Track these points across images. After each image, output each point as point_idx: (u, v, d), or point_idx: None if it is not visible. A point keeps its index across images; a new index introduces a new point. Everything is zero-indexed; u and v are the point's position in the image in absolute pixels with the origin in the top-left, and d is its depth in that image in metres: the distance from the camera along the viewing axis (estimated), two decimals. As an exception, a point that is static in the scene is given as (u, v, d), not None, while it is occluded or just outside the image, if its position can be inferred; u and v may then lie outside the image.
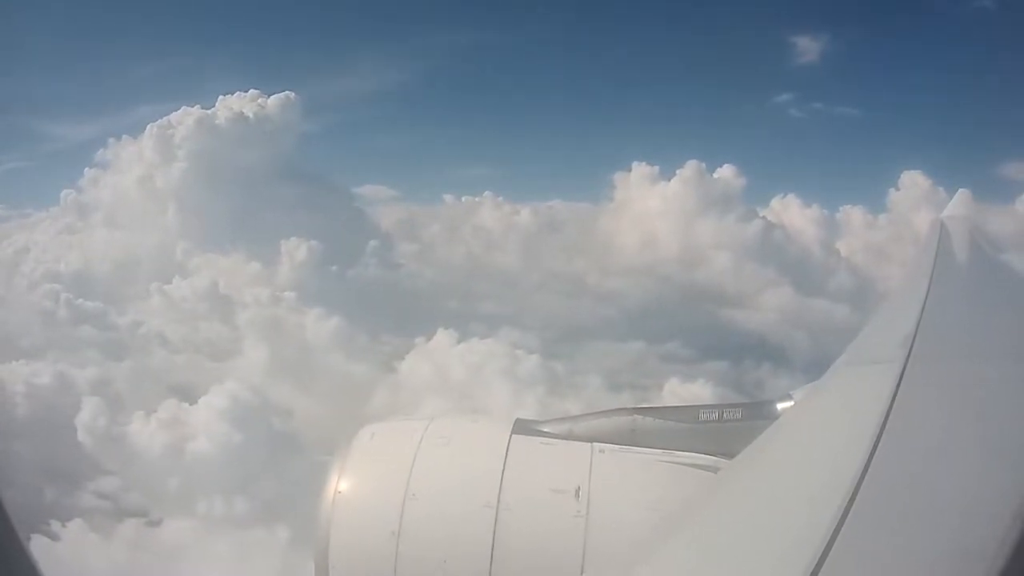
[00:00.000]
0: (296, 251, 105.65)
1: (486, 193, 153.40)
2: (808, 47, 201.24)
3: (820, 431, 3.60)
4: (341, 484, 4.10)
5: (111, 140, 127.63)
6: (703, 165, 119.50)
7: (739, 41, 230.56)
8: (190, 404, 59.96)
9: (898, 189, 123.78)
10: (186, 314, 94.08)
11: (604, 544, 3.74)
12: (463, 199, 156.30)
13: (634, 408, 4.49)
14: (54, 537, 49.22)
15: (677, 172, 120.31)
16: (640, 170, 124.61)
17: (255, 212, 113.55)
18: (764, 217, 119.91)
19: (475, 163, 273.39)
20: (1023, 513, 2.10)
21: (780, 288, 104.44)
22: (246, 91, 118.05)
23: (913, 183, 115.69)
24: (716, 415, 4.39)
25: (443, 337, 74.89)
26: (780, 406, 4.37)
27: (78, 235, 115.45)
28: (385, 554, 3.85)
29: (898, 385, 3.41)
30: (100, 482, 56.43)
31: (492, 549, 3.79)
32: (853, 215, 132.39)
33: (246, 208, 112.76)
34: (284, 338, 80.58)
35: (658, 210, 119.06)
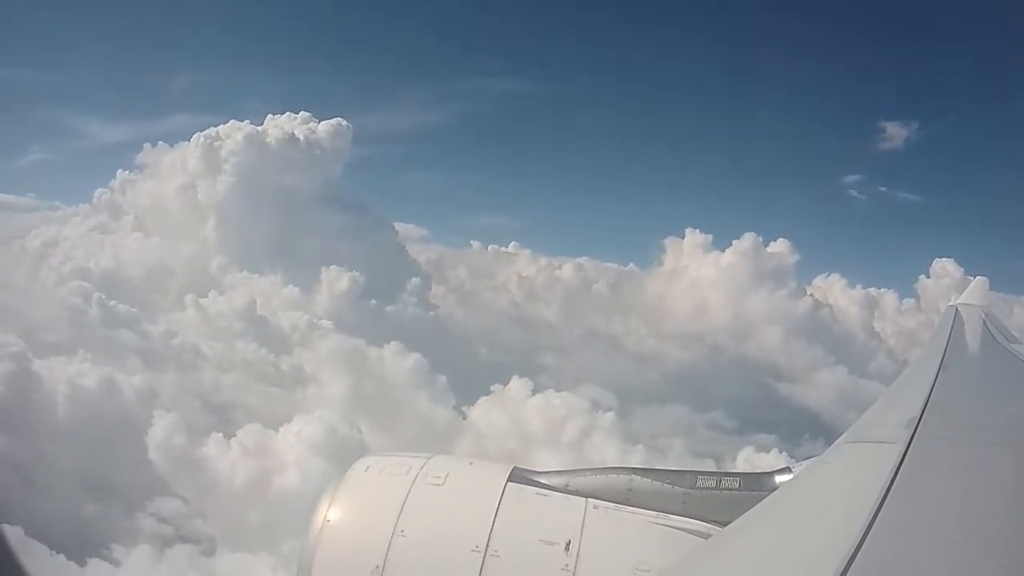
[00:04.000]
0: (337, 281, 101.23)
1: (512, 244, 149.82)
2: (895, 133, 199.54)
3: (816, 505, 3.47)
4: (331, 513, 4.04)
5: (146, 145, 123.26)
6: (759, 238, 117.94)
7: (832, 121, 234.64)
8: (275, 431, 54.71)
9: (928, 276, 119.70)
10: (221, 331, 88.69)
11: None
12: (489, 247, 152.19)
13: (632, 468, 4.42)
14: (115, 562, 43.59)
15: (733, 243, 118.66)
16: (694, 237, 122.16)
17: (296, 235, 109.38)
18: (811, 295, 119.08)
19: (501, 212, 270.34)
20: None
21: (834, 368, 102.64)
22: (296, 112, 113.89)
23: (944, 272, 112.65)
24: (714, 482, 4.32)
25: (518, 385, 70.56)
26: (779, 479, 4.31)
27: (110, 236, 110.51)
28: None
29: (899, 465, 3.42)
30: (160, 504, 50.73)
31: None
32: (885, 299, 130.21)
33: (287, 230, 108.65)
34: (345, 369, 74.98)
35: (710, 279, 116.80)
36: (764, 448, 68.90)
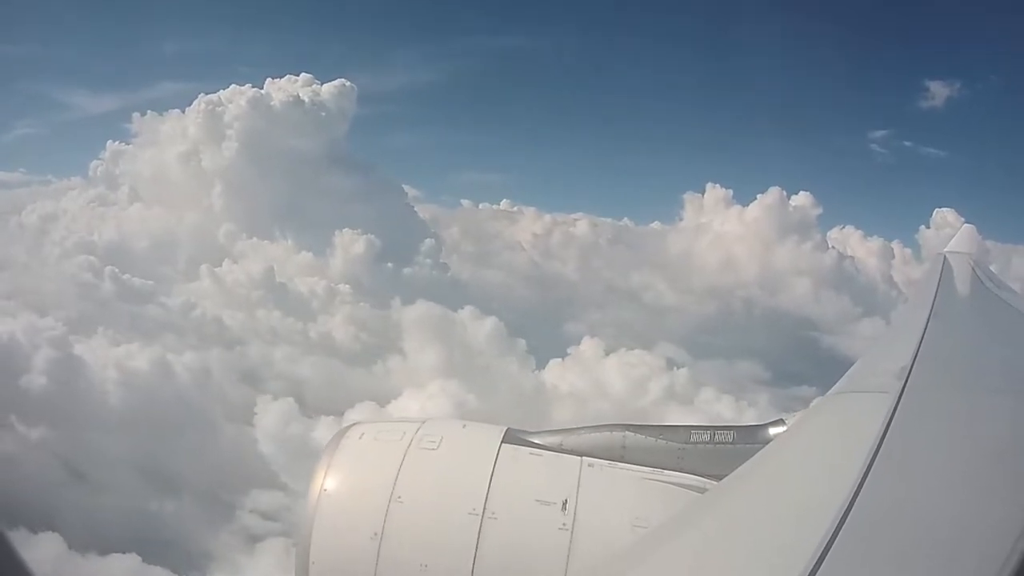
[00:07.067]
0: (352, 244, 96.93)
1: (504, 201, 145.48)
2: (938, 92, 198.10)
3: (811, 456, 3.44)
4: (327, 483, 3.95)
5: (135, 114, 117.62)
6: (784, 192, 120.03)
7: (874, 78, 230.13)
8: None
9: (929, 227, 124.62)
10: (241, 300, 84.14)
11: (588, 557, 3.66)
12: (480, 205, 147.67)
13: (626, 424, 4.34)
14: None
15: (757, 197, 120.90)
16: (715, 192, 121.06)
17: (306, 199, 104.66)
18: (833, 247, 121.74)
19: (490, 169, 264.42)
20: (1018, 548, 2.07)
21: (874, 319, 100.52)
22: (297, 75, 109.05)
23: (944, 221, 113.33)
24: (708, 437, 4.27)
25: (591, 346, 68.67)
26: (772, 431, 4.25)
27: (111, 208, 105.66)
28: (366, 556, 3.75)
29: (892, 414, 3.39)
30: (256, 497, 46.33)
31: (475, 557, 3.68)
32: (897, 249, 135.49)
33: (297, 194, 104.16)
34: (429, 338, 71.05)
35: (736, 234, 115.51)
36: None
